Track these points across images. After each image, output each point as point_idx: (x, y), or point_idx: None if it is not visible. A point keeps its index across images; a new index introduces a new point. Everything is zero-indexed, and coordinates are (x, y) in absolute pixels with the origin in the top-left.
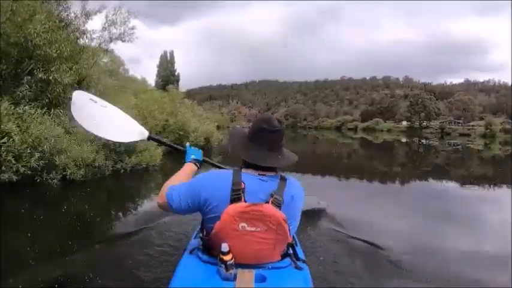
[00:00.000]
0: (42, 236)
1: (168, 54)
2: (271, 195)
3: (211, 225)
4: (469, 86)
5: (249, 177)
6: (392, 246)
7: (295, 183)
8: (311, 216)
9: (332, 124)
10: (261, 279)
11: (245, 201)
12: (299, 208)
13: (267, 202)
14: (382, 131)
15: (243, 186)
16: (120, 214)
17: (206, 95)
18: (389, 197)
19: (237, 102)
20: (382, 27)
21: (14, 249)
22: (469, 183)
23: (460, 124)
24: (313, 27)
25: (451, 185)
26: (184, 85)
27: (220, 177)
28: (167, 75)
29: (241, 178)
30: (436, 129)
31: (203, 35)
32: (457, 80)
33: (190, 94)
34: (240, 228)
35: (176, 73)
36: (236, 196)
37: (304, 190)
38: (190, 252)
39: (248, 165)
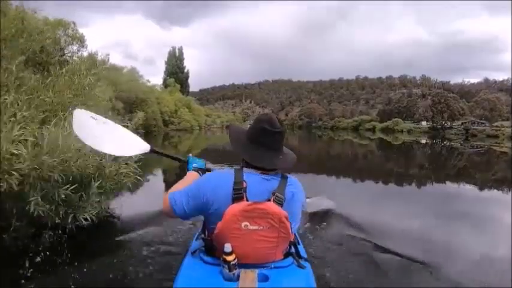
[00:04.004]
0: None
1: (177, 50)
2: (273, 193)
3: (214, 226)
4: (489, 85)
5: (251, 176)
6: (402, 249)
7: (295, 182)
8: (318, 216)
9: (348, 124)
10: (263, 278)
11: (247, 200)
12: (299, 207)
13: (269, 200)
14: (402, 131)
15: (244, 186)
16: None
17: (219, 95)
18: (404, 200)
19: (250, 102)
20: (393, 26)
21: None
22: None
23: (484, 125)
24: (325, 27)
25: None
26: (197, 85)
27: (222, 178)
28: (175, 72)
29: (243, 177)
30: (460, 130)
31: (216, 35)
32: (473, 79)
33: (203, 94)
34: (243, 227)
35: (185, 70)
36: (238, 195)
37: (304, 190)
38: (193, 254)
39: (250, 165)
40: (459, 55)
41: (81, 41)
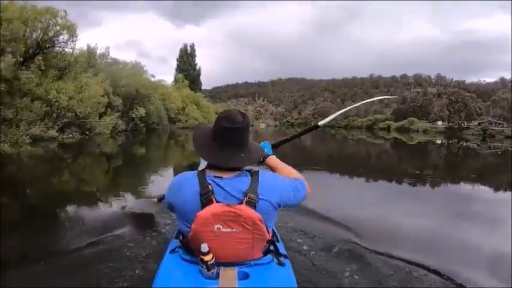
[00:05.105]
0: None
1: (189, 47)
2: (245, 195)
3: (185, 229)
4: (505, 85)
5: (210, 179)
6: (399, 248)
7: (269, 176)
8: (306, 214)
9: (362, 123)
10: (243, 276)
11: (217, 202)
12: (273, 206)
13: (241, 202)
14: (417, 131)
15: (210, 188)
16: (98, 213)
17: (232, 93)
18: (411, 200)
19: (263, 100)
20: (406, 25)
21: None
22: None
23: (502, 125)
24: (337, 25)
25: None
26: (210, 83)
27: (186, 183)
28: (187, 69)
29: (206, 180)
30: (477, 131)
31: (229, 33)
32: (488, 78)
33: (216, 91)
34: (215, 229)
35: (197, 67)
36: (206, 198)
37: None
38: (172, 252)
39: (210, 165)
40: (473, 54)
41: (70, 29)
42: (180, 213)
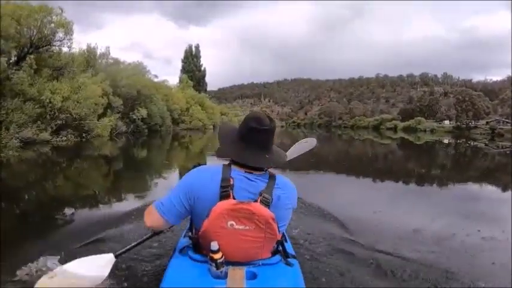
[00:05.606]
0: None
1: (193, 48)
2: (260, 194)
3: (200, 224)
4: None
5: (239, 174)
6: (401, 249)
7: (285, 182)
8: (315, 215)
9: (369, 123)
10: (251, 276)
11: (234, 198)
12: (288, 207)
13: (256, 201)
14: (424, 131)
15: (231, 183)
16: (105, 211)
17: (238, 94)
18: (416, 201)
19: (269, 101)
20: (411, 23)
21: None
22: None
23: (509, 124)
24: (343, 25)
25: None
26: (215, 84)
27: (209, 173)
28: (192, 70)
29: (230, 174)
30: (486, 130)
31: (234, 34)
32: (495, 77)
33: (222, 92)
34: (228, 226)
35: (202, 68)
36: (225, 193)
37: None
38: (180, 251)
39: (236, 162)
40: (479, 52)
41: (66, 27)
42: (201, 207)
